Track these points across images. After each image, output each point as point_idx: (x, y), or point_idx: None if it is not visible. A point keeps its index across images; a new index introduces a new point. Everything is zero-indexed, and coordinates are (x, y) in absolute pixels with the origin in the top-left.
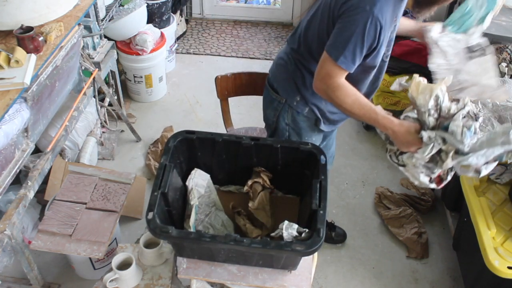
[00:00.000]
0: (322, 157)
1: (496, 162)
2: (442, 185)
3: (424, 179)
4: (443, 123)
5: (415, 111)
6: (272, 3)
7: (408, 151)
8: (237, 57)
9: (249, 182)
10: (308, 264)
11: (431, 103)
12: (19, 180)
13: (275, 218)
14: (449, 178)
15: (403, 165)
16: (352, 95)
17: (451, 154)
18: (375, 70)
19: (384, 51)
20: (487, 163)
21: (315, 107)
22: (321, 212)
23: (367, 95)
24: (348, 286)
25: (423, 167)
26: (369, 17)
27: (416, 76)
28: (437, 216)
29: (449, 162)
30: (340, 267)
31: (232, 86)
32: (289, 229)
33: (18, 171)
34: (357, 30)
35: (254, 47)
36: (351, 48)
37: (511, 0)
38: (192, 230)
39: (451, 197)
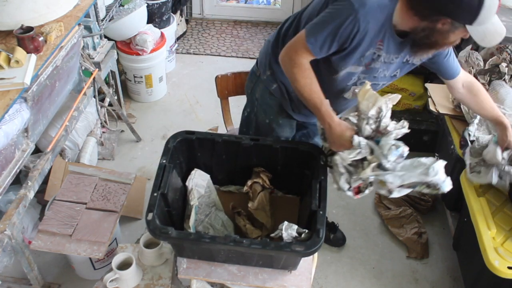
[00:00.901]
0: (322, 157)
1: (410, 190)
2: (358, 196)
3: (343, 185)
4: (377, 137)
5: (356, 115)
6: (272, 3)
7: (336, 151)
8: (237, 57)
9: (249, 182)
10: (308, 264)
11: (372, 112)
12: (19, 180)
13: (275, 218)
14: (367, 191)
15: (331, 166)
16: (308, 78)
17: (372, 165)
18: (339, 79)
19: (358, 68)
20: (401, 186)
21: (283, 86)
22: (321, 212)
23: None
24: (348, 286)
25: (344, 170)
26: (352, 15)
27: (367, 82)
28: (437, 216)
29: (368, 172)
30: (340, 267)
31: (232, 85)
32: (288, 230)
33: (18, 171)
34: (336, 21)
35: (254, 47)
36: (324, 34)
37: (511, 0)
38: (192, 230)
39: (451, 197)
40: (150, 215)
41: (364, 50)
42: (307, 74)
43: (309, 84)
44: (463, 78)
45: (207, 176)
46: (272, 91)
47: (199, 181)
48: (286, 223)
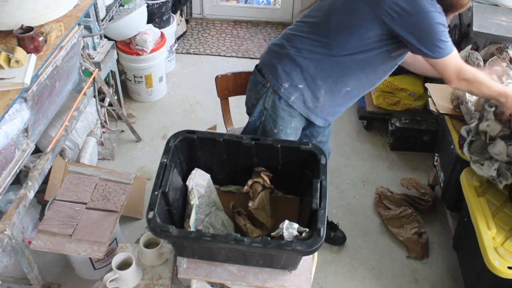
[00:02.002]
0: (323, 157)
1: None
2: None
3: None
4: None
5: None
6: (272, 3)
7: None
8: (237, 57)
9: (249, 182)
10: (308, 264)
11: None
12: (19, 180)
13: (275, 218)
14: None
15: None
16: (484, 78)
17: None
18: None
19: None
20: None
21: (308, 93)
22: (322, 211)
23: (367, 87)
24: (348, 286)
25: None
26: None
27: None
28: (437, 216)
29: None
30: (340, 267)
31: (232, 85)
32: (289, 229)
33: (18, 171)
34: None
35: (254, 47)
36: (444, 30)
37: (511, 0)
38: (192, 229)
39: (451, 197)
40: (151, 214)
41: None
42: (481, 77)
43: (487, 81)
44: None
45: (207, 176)
46: (291, 103)
47: (199, 181)
48: (287, 222)
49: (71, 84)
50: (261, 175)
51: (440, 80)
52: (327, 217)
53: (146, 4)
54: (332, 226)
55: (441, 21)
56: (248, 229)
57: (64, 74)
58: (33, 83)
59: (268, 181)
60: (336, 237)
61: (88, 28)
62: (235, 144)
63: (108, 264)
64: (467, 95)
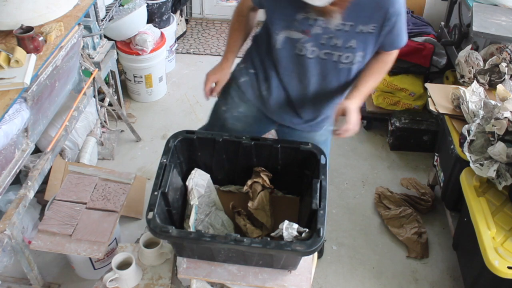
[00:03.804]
0: (322, 157)
1: None
2: None
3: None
4: None
5: None
6: None
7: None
8: (237, 57)
9: (249, 182)
10: (308, 264)
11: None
12: (19, 180)
13: (275, 218)
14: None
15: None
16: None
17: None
18: (281, 47)
19: (296, 33)
20: None
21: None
22: (321, 212)
23: (303, 98)
24: (348, 286)
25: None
26: None
27: None
28: (437, 216)
29: None
30: (340, 267)
31: None
32: (289, 229)
33: (18, 171)
34: None
35: None
36: None
37: (511, 0)
38: (192, 230)
39: (451, 197)
40: (151, 214)
41: (281, 10)
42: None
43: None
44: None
45: (207, 176)
46: (240, 83)
47: (199, 181)
48: (286, 222)
49: (71, 84)
50: (260, 175)
51: (440, 80)
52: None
53: (146, 4)
54: None
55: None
56: (248, 229)
57: (64, 74)
58: (33, 83)
59: (267, 181)
60: None
61: (88, 28)
62: (234, 144)
63: (108, 264)
64: (467, 95)
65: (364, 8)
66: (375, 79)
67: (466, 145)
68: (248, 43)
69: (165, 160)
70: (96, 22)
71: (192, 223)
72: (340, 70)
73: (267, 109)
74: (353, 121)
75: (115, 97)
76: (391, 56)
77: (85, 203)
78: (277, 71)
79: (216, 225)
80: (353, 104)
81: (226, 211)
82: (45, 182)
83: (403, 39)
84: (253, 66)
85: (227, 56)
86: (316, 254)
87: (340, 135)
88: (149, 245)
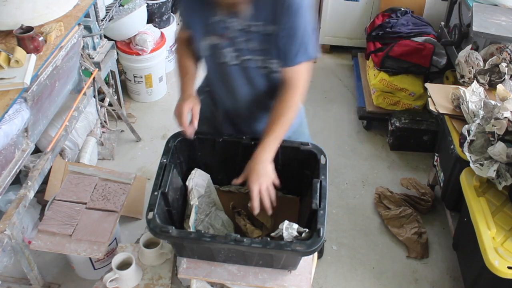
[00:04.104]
0: (323, 157)
1: None
2: None
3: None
4: None
5: None
6: None
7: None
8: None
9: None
10: (308, 264)
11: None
12: (19, 180)
13: (275, 218)
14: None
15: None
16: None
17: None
18: (207, 54)
19: (216, 38)
20: None
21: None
22: (321, 212)
23: (236, 108)
24: (348, 286)
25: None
26: None
27: None
28: (437, 216)
29: None
30: (340, 267)
31: None
32: (289, 229)
33: (18, 171)
34: None
35: None
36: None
37: (511, 0)
38: (192, 230)
39: (451, 197)
40: (151, 214)
41: (198, 16)
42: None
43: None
44: (286, 77)
45: (207, 176)
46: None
47: (199, 181)
48: (286, 222)
49: (71, 84)
50: None
51: (440, 80)
52: None
53: (146, 4)
54: None
55: None
56: (248, 229)
57: (64, 74)
58: (33, 83)
59: None
60: None
61: (88, 28)
62: (235, 144)
63: (108, 264)
64: (467, 95)
65: (267, 4)
66: (280, 126)
67: (466, 145)
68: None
69: (165, 160)
70: (96, 22)
71: (192, 223)
72: (266, 76)
73: (218, 124)
74: (255, 195)
75: (115, 97)
76: (291, 93)
77: (85, 203)
78: (213, 84)
79: (216, 225)
80: (257, 166)
81: (226, 211)
82: (45, 182)
83: (308, 51)
84: (207, 83)
85: (185, 87)
86: (316, 254)
87: (255, 210)
88: (149, 245)
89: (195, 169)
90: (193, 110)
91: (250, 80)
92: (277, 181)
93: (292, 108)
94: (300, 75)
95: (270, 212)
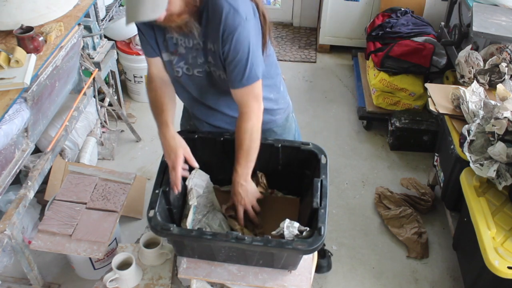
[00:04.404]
0: (323, 156)
1: None
2: None
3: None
4: None
5: None
6: (272, 3)
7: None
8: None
9: None
10: (308, 264)
11: None
12: (19, 180)
13: (275, 218)
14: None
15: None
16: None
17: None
18: (167, 70)
19: (171, 56)
20: None
21: None
22: (322, 211)
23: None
24: (348, 286)
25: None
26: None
27: None
28: (437, 216)
29: None
30: (340, 267)
31: None
32: (290, 228)
33: (18, 171)
34: None
35: None
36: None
37: (511, 0)
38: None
39: (451, 197)
40: (152, 212)
41: (153, 35)
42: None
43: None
44: (236, 100)
45: (206, 176)
46: None
47: (198, 181)
48: (287, 221)
49: (71, 84)
50: (258, 176)
51: (440, 80)
52: (324, 244)
53: None
54: (321, 253)
55: None
56: (245, 233)
57: (64, 74)
58: (33, 83)
59: (265, 182)
60: (318, 264)
61: (88, 28)
62: (233, 143)
63: (108, 264)
64: (467, 95)
65: (208, 25)
66: (246, 153)
67: (466, 145)
68: None
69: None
70: (96, 22)
71: (189, 222)
72: (220, 81)
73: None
74: (240, 215)
75: (115, 97)
76: (246, 118)
77: (85, 203)
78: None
79: (213, 225)
80: (238, 189)
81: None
82: (45, 182)
83: (252, 73)
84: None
85: (165, 130)
86: (316, 254)
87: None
88: (149, 245)
89: (195, 169)
90: (186, 156)
91: (203, 84)
92: (259, 195)
93: (248, 134)
94: (249, 97)
95: (257, 222)
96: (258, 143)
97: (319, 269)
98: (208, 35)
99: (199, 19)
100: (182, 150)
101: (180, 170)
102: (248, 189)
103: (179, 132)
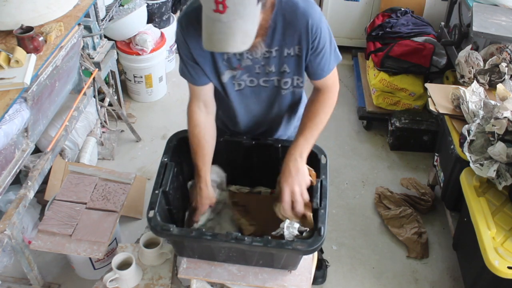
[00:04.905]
0: (323, 156)
1: None
2: None
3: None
4: None
5: None
6: None
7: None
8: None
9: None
10: (308, 264)
11: None
12: (19, 180)
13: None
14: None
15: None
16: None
17: None
18: (228, 88)
19: (233, 72)
20: None
21: None
22: (322, 211)
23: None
24: (348, 286)
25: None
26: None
27: None
28: (437, 216)
29: None
30: (340, 267)
31: None
32: (290, 228)
33: (18, 171)
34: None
35: None
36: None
37: (511, 0)
38: (201, 225)
39: (451, 197)
40: (152, 213)
41: (203, 53)
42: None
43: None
44: (321, 85)
45: (223, 174)
46: None
47: (214, 177)
48: (287, 221)
49: (71, 84)
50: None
51: (440, 80)
52: (322, 254)
53: (146, 4)
54: (318, 264)
55: None
56: (242, 224)
57: (64, 74)
58: (33, 83)
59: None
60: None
61: (88, 28)
62: (235, 144)
63: (108, 264)
64: (467, 95)
65: (285, 31)
66: (314, 126)
67: (466, 145)
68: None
69: (166, 159)
70: (96, 22)
71: (204, 220)
72: (284, 95)
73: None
74: (286, 196)
75: (115, 97)
76: (327, 95)
77: (85, 203)
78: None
79: (223, 223)
80: (289, 164)
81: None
82: (45, 182)
83: (331, 63)
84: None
85: (198, 175)
86: (316, 254)
87: (286, 214)
88: (149, 245)
89: (214, 165)
90: (210, 205)
91: (270, 99)
92: (309, 182)
93: (327, 109)
94: (334, 77)
95: (298, 219)
96: (325, 124)
97: (314, 280)
98: (286, 40)
99: (271, 32)
100: (209, 201)
101: (201, 212)
102: (300, 168)
103: (178, 132)
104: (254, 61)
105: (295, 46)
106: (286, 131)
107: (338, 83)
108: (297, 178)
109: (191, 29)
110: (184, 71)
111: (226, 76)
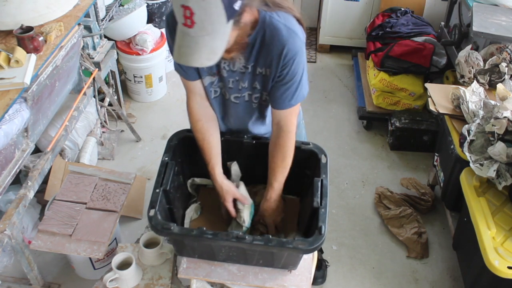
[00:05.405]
0: (323, 156)
1: None
2: None
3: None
4: None
5: None
6: None
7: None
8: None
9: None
10: (308, 264)
11: None
12: (19, 180)
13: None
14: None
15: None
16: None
17: None
18: (208, 92)
19: (213, 78)
20: None
21: None
22: (323, 210)
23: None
24: (348, 286)
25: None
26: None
27: None
28: (437, 216)
29: None
30: (340, 267)
31: None
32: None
33: (18, 171)
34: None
35: None
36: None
37: (511, 0)
38: (247, 225)
39: (451, 197)
40: (152, 211)
41: None
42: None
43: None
44: (279, 119)
45: (239, 174)
46: None
47: (237, 168)
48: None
49: (71, 84)
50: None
51: (440, 80)
52: (322, 254)
53: (146, 4)
54: (318, 264)
55: None
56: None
57: (64, 74)
58: (33, 83)
59: None
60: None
61: (88, 28)
62: (235, 143)
63: (108, 264)
64: (467, 95)
65: (261, 50)
66: (282, 171)
67: (466, 145)
68: None
69: (166, 158)
70: (96, 22)
71: (247, 219)
72: (255, 108)
73: None
74: (271, 228)
75: (115, 97)
76: (286, 138)
77: (85, 203)
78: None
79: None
80: (271, 204)
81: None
82: (45, 182)
83: (293, 99)
84: None
85: (212, 173)
86: (316, 254)
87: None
88: (149, 245)
89: (233, 162)
90: (235, 198)
91: (240, 111)
92: (283, 214)
93: (288, 152)
94: (292, 116)
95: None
96: (291, 162)
97: (314, 280)
98: (259, 59)
99: (249, 48)
100: (231, 195)
101: (230, 206)
102: (280, 206)
103: (178, 131)
104: (229, 74)
105: (266, 68)
106: (269, 128)
107: (295, 125)
108: (278, 216)
109: (176, 27)
110: (177, 66)
111: (206, 81)
